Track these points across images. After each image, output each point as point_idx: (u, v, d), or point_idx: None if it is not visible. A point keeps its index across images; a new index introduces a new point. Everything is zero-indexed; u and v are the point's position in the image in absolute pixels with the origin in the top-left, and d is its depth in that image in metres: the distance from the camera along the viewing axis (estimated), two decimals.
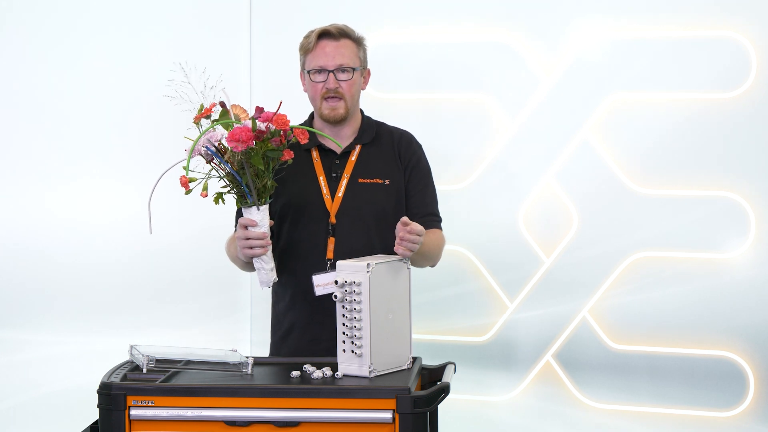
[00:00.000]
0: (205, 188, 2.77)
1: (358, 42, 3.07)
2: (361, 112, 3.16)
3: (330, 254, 3.00)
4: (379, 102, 4.33)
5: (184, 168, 2.71)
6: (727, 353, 4.19)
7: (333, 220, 3.03)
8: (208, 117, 2.79)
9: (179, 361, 2.70)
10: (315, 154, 3.10)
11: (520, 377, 4.42)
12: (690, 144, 4.19)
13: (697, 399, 4.21)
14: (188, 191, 2.75)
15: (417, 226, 2.78)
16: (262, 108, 2.79)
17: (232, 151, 2.73)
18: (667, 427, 4.24)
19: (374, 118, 3.20)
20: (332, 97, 3.02)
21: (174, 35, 4.63)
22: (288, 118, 2.77)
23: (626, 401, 4.30)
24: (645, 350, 4.28)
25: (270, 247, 2.86)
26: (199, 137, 2.74)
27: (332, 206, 3.04)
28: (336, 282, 2.64)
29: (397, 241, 2.76)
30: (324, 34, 3.03)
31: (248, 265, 2.99)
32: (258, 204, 2.81)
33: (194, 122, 2.79)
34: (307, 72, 3.06)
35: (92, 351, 4.59)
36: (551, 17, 4.32)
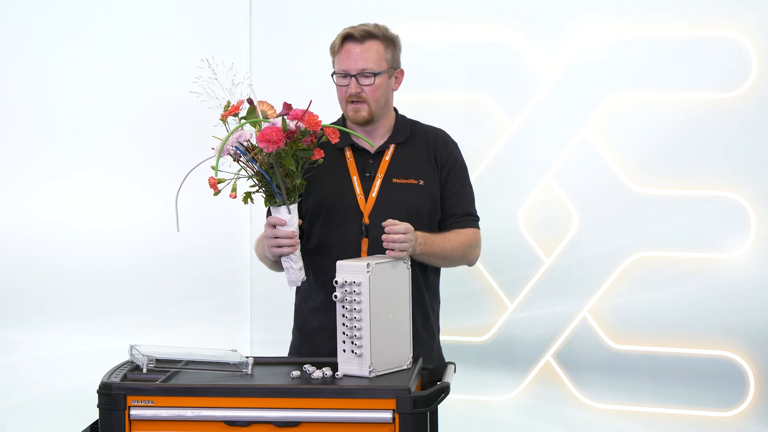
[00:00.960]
0: (234, 189, 2.71)
1: (386, 42, 3.00)
2: (395, 110, 3.10)
3: (363, 255, 2.93)
4: None
5: (213, 168, 2.65)
6: (727, 353, 4.19)
7: (366, 220, 2.96)
8: (235, 115, 2.72)
9: (179, 361, 2.69)
10: (348, 153, 3.03)
11: (520, 377, 4.42)
12: (690, 144, 4.19)
13: (697, 399, 4.21)
14: (217, 192, 2.68)
15: (396, 226, 2.76)
16: (290, 105, 2.73)
17: (261, 150, 2.65)
18: (667, 427, 4.24)
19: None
20: (356, 101, 2.97)
21: (173, 33, 4.62)
22: (320, 118, 2.70)
23: (626, 401, 4.30)
24: (645, 350, 4.27)
25: (299, 246, 2.81)
26: (229, 136, 2.67)
27: (366, 206, 2.98)
28: (336, 282, 2.63)
29: (384, 245, 2.75)
30: (348, 37, 2.97)
31: (276, 265, 2.94)
32: (287, 203, 2.77)
33: (221, 119, 2.74)
34: (333, 75, 3.00)
35: (92, 351, 4.59)
36: (551, 17, 4.32)
